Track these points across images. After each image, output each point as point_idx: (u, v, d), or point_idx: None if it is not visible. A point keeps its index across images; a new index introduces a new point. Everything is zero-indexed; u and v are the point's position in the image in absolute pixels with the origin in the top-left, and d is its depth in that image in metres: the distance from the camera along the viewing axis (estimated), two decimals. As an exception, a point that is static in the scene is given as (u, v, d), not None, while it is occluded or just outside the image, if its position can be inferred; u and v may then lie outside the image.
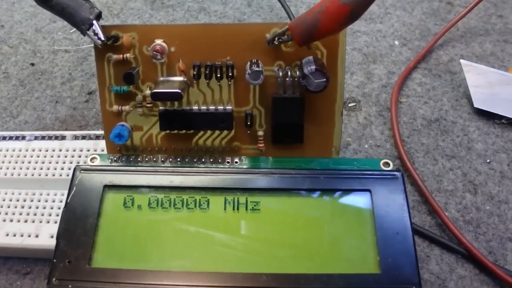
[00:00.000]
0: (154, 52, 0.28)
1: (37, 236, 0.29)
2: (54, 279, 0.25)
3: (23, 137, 0.33)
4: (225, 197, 0.27)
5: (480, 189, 0.31)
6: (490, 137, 0.34)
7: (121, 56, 0.28)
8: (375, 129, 0.34)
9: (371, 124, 0.34)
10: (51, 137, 0.33)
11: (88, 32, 0.27)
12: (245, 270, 0.25)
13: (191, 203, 0.27)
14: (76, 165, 0.28)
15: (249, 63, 0.28)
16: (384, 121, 0.35)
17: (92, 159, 0.29)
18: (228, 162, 0.29)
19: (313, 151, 0.30)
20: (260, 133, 0.29)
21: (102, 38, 0.27)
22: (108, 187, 0.27)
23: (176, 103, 0.29)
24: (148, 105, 0.29)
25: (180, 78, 0.28)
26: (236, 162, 0.29)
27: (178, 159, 0.29)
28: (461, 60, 0.36)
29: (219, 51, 0.28)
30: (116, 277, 0.24)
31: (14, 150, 0.32)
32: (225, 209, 0.27)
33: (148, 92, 0.29)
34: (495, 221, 0.30)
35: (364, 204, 0.27)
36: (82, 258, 0.25)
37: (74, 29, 0.40)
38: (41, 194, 0.30)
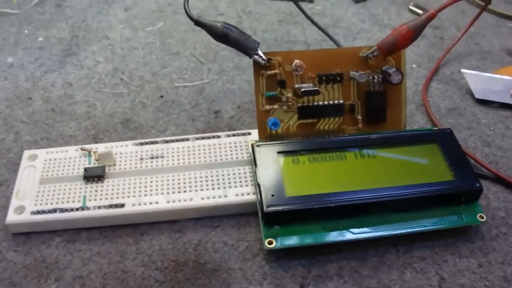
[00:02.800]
0: (297, 67, 0.43)
1: (225, 196, 0.42)
2: (267, 207, 0.38)
3: (187, 139, 0.47)
4: (354, 152, 0.43)
5: (492, 144, 0.48)
6: (489, 115, 0.51)
7: (273, 71, 0.44)
8: (417, 117, 0.51)
9: (414, 115, 0.51)
10: (209, 137, 0.47)
11: (254, 56, 0.43)
12: (374, 186, 0.39)
13: (335, 157, 0.42)
14: (252, 143, 0.43)
15: (351, 72, 0.45)
16: (421, 112, 0.51)
17: (252, 142, 0.44)
18: (345, 135, 0.45)
19: (391, 126, 0.45)
20: (359, 117, 0.46)
21: (266, 59, 0.43)
22: (279, 153, 0.41)
23: (306, 100, 0.44)
24: (289, 103, 0.45)
25: (310, 84, 0.45)
26: (349, 136, 0.45)
27: (311, 138, 0.45)
28: (462, 70, 0.55)
29: (332, 65, 0.44)
30: (304, 199, 0.38)
31: (183, 148, 0.44)
32: (356, 158, 0.42)
33: (289, 95, 0.44)
34: (506, 160, 0.47)
35: (435, 146, 0.42)
36: (280, 191, 0.38)
37: (185, 71, 0.56)
38: (217, 172, 0.42)
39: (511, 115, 0.50)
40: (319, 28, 0.56)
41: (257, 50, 0.41)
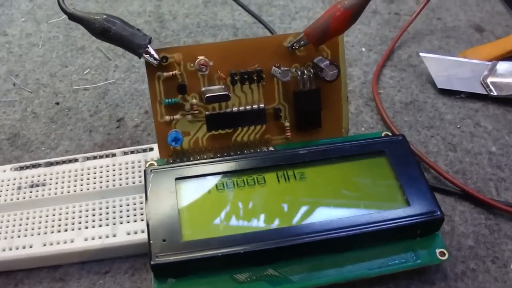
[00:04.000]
0: (200, 66, 0.34)
1: (114, 236, 0.33)
2: (155, 257, 0.29)
3: (76, 160, 0.37)
4: (276, 173, 0.33)
5: (458, 147, 0.39)
6: (455, 109, 0.42)
7: (170, 73, 0.34)
8: (365, 115, 0.42)
9: (361, 112, 0.42)
10: (102, 156, 0.37)
11: (144, 55, 0.33)
12: (301, 220, 0.30)
13: (250, 181, 0.33)
14: (146, 167, 0.33)
15: (273, 67, 0.35)
16: (371, 109, 0.42)
17: (150, 165, 0.35)
18: (265, 151, 0.35)
19: (328, 133, 0.36)
20: (287, 124, 0.36)
21: (158, 58, 0.33)
22: (179, 179, 0.32)
23: (217, 107, 0.35)
24: (195, 112, 0.35)
25: (221, 86, 0.35)
26: (272, 150, 0.36)
27: (225, 154, 0.35)
28: (421, 53, 0.45)
29: (248, 60, 0.35)
30: (206, 244, 0.29)
31: (70, 171, 0.36)
32: (278, 181, 0.33)
33: (194, 101, 0.35)
34: (476, 168, 0.38)
35: (383, 160, 0.33)
36: (174, 235, 0.30)
37: (87, 70, 0.46)
38: (107, 202, 0.34)
39: (482, 108, 0.41)
40: (244, 8, 0.45)
41: (147, 47, 0.32)
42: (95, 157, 0.37)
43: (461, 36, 0.49)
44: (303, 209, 0.31)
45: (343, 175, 0.32)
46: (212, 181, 0.32)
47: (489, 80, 0.42)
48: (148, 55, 0.32)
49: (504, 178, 0.36)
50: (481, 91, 0.42)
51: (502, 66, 0.42)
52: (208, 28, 0.49)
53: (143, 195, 0.34)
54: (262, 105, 0.35)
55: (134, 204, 0.34)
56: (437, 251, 0.31)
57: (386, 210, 0.31)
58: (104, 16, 0.32)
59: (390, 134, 0.35)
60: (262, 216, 0.30)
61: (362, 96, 0.42)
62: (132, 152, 0.37)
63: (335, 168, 0.33)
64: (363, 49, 0.47)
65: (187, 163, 0.33)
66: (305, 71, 0.35)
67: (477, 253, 0.32)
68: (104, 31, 0.31)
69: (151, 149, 0.37)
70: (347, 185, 0.32)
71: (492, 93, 0.42)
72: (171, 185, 0.31)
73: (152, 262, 0.28)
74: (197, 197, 0.31)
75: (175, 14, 0.52)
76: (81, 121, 0.42)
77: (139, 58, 0.32)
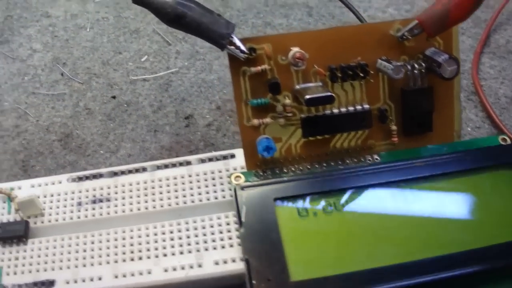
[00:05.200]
0: (296, 59, 0.28)
1: (200, 266, 0.28)
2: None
3: (144, 169, 0.32)
4: (392, 191, 0.28)
5: None
6: None
7: (259, 68, 0.29)
8: (469, 112, 0.36)
9: (464, 109, 0.36)
10: (175, 164, 0.32)
11: (228, 46, 0.27)
12: (435, 252, 0.25)
13: (367, 202, 0.27)
14: (236, 185, 0.28)
15: (379, 61, 0.29)
16: (474, 104, 0.37)
17: (236, 177, 0.29)
18: (369, 160, 0.30)
19: (439, 137, 0.31)
20: (393, 127, 0.31)
21: (246, 51, 0.28)
22: (278, 199, 0.27)
23: (314, 109, 0.29)
24: (288, 114, 0.29)
25: (319, 84, 0.29)
26: (377, 159, 0.30)
27: (324, 164, 0.30)
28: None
29: (349, 52, 0.29)
30: (321, 285, 0.24)
31: (138, 183, 0.31)
32: (395, 201, 0.27)
33: (287, 101, 0.29)
34: None
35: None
36: (281, 273, 0.25)
37: (145, 57, 0.41)
38: (186, 223, 0.29)
39: None
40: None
41: (232, 37, 0.27)
42: (166, 166, 0.32)
43: None
44: (433, 236, 0.26)
45: (472, 192, 0.27)
46: (318, 201, 0.26)
47: None
48: (233, 47, 0.26)
49: None
50: None
51: None
52: (278, 7, 0.44)
53: (229, 213, 0.29)
54: (366, 106, 0.29)
55: (220, 225, 0.29)
56: None
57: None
58: (177, 0, 0.26)
59: (507, 139, 0.30)
60: (383, 246, 0.25)
61: (462, 90, 0.36)
62: (210, 160, 0.32)
63: (461, 184, 0.28)
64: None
65: (285, 178, 0.28)
66: (416, 65, 0.29)
67: None
68: (178, 17, 0.26)
69: (232, 156, 0.32)
70: (479, 205, 0.26)
71: None
72: (270, 208, 0.26)
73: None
74: (302, 223, 0.26)
75: (231, -9, 0.46)
76: (143, 119, 0.37)
77: (222, 50, 0.27)
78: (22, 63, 0.43)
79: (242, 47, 0.27)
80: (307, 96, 0.27)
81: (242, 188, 0.27)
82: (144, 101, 0.38)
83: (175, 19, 0.26)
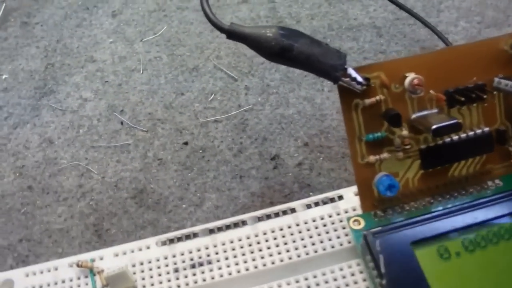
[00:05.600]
0: (416, 87, 0.26)
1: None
2: None
3: (243, 222, 0.29)
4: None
5: None
6: None
7: (373, 99, 0.26)
8: None
9: None
10: (277, 213, 0.29)
11: (343, 79, 0.24)
12: None
13: (504, 232, 0.24)
14: (365, 232, 0.25)
15: (497, 79, 0.27)
16: None
17: (354, 221, 0.27)
18: (491, 185, 0.27)
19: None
20: (512, 148, 0.28)
21: (363, 82, 0.25)
22: (415, 243, 0.24)
23: (428, 138, 0.27)
24: (407, 147, 0.27)
25: (434, 110, 0.27)
26: (498, 184, 0.27)
27: (447, 196, 0.27)
28: None
29: (463, 73, 0.27)
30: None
31: (240, 239, 0.28)
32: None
33: (405, 132, 0.26)
34: None
35: None
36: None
37: (211, 96, 0.38)
38: (306, 279, 0.26)
39: None
40: (391, 0, 0.37)
41: (346, 69, 0.24)
42: (268, 216, 0.29)
43: None
44: None
45: None
46: (458, 239, 0.24)
47: None
48: (348, 79, 0.24)
49: None
50: None
51: None
52: (344, 30, 0.42)
53: (352, 262, 0.27)
54: (486, 129, 0.27)
55: (344, 277, 0.26)
56: None
57: None
58: (279, 31, 0.24)
59: None
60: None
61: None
62: (316, 204, 0.29)
63: None
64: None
65: (418, 218, 0.25)
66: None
67: None
68: (283, 50, 0.24)
69: (340, 197, 0.29)
70: None
71: None
72: (408, 253, 0.23)
73: None
74: (444, 266, 0.24)
75: (298, 17, 0.44)
76: (225, 164, 0.34)
77: (335, 83, 0.24)
78: (73, 114, 0.40)
79: (359, 78, 0.24)
80: (434, 126, 0.25)
81: (374, 234, 0.24)
82: (221, 144, 0.35)
83: (280, 53, 0.24)
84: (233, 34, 0.25)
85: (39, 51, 0.47)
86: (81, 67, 0.44)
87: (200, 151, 0.35)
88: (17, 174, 0.37)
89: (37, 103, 0.42)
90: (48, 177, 0.36)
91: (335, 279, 0.26)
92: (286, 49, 0.24)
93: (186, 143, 0.36)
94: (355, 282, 0.26)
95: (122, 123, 0.38)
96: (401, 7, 0.39)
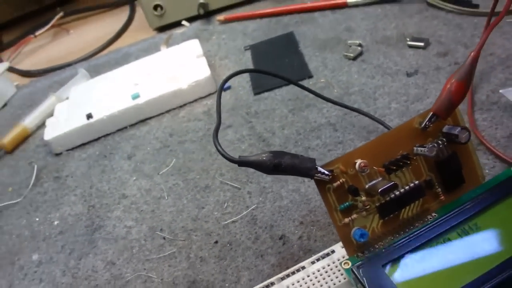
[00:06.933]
0: (362, 168, 0.39)
1: None
2: None
3: (272, 283, 0.42)
4: (456, 231, 0.38)
5: None
6: None
7: (338, 182, 0.40)
8: (481, 159, 0.47)
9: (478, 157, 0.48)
10: (293, 272, 0.42)
11: (316, 175, 0.38)
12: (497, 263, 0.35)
13: (437, 244, 0.38)
14: (352, 267, 0.39)
15: (415, 148, 0.40)
16: (483, 151, 0.48)
17: (344, 263, 0.40)
18: (430, 218, 0.40)
19: (471, 185, 0.41)
20: (438, 189, 0.42)
21: (329, 174, 0.39)
22: (384, 265, 0.37)
23: (383, 197, 0.40)
24: (367, 207, 0.40)
25: (379, 179, 0.41)
26: (435, 215, 0.40)
27: (401, 232, 0.40)
28: (501, 91, 0.52)
29: (393, 150, 0.40)
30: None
31: None
32: (461, 237, 0.38)
33: (363, 198, 0.40)
34: None
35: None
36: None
37: (225, 204, 0.52)
38: None
39: None
40: (335, 103, 0.52)
41: (317, 168, 0.37)
42: (288, 275, 0.41)
43: (517, 62, 0.55)
44: (489, 253, 0.36)
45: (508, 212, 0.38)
46: (411, 256, 0.37)
47: None
48: (320, 174, 0.38)
49: None
50: None
51: None
52: (308, 132, 0.55)
53: (351, 292, 0.38)
54: (416, 182, 0.40)
55: (346, 303, 0.38)
56: None
57: None
58: (271, 154, 0.37)
59: None
60: (467, 269, 0.35)
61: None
62: (318, 260, 0.41)
63: (500, 209, 0.38)
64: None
65: (381, 249, 0.38)
66: (439, 142, 0.40)
67: None
68: (276, 167, 0.37)
69: (333, 251, 0.42)
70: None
71: None
72: (382, 272, 0.36)
73: None
74: (415, 275, 0.36)
75: (272, 130, 0.58)
76: (248, 250, 0.46)
77: (311, 178, 0.38)
78: (124, 240, 0.52)
79: (326, 172, 0.38)
80: (380, 189, 0.38)
81: (357, 267, 0.37)
82: (241, 237, 0.48)
83: (274, 169, 0.37)
84: (242, 163, 0.38)
85: (77, 198, 0.59)
86: (117, 203, 0.57)
87: (228, 245, 0.48)
88: (95, 292, 0.49)
89: (91, 237, 0.54)
90: (120, 289, 0.48)
91: (344, 309, 0.39)
92: (277, 166, 0.37)
93: (216, 242, 0.49)
94: (355, 305, 0.39)
95: (164, 238, 0.51)
96: (345, 106, 0.54)
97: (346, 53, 0.63)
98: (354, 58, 0.63)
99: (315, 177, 0.37)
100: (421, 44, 0.61)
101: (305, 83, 0.60)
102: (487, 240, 0.37)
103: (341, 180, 0.39)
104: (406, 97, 0.55)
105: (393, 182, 0.38)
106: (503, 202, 0.38)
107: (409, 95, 0.55)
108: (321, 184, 0.38)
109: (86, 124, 0.66)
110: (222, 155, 0.38)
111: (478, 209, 0.38)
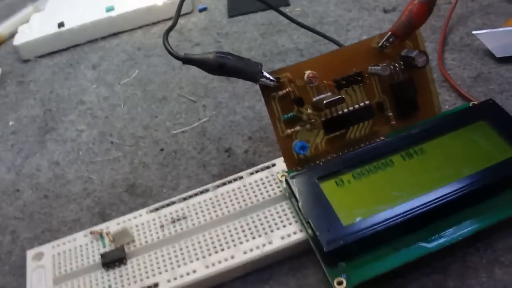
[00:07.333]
0: (310, 79, 0.38)
1: (270, 243, 0.36)
2: (326, 245, 0.32)
3: (207, 190, 0.40)
4: (400, 154, 0.37)
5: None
6: (517, 72, 0.46)
7: (284, 90, 0.38)
8: (444, 95, 0.45)
9: (440, 94, 0.46)
10: (230, 181, 0.41)
11: (261, 79, 0.37)
12: (434, 186, 0.34)
13: (381, 165, 0.37)
14: (286, 176, 0.37)
15: (370, 67, 0.39)
16: (447, 89, 0.46)
17: (282, 176, 0.38)
18: (386, 139, 0.38)
19: (425, 114, 0.40)
20: (390, 114, 0.40)
21: (274, 80, 0.37)
22: (320, 178, 0.36)
23: (329, 112, 0.38)
24: (312, 121, 0.39)
25: (329, 93, 0.39)
26: (392, 137, 0.38)
27: (346, 151, 0.39)
28: (474, 32, 0.49)
29: (347, 66, 0.38)
30: (364, 224, 0.33)
31: (205, 201, 0.39)
32: (404, 160, 0.37)
33: (309, 111, 0.39)
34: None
35: (484, 123, 0.38)
36: (335, 223, 0.33)
37: (178, 115, 0.50)
38: (251, 217, 0.37)
39: (542, 61, 0.45)
40: (308, 28, 0.50)
41: (262, 73, 0.36)
42: (224, 184, 0.40)
43: (497, 10, 0.53)
44: (432, 177, 0.35)
45: (455, 142, 0.37)
46: (349, 173, 0.36)
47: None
48: (264, 79, 0.36)
49: None
50: (536, 48, 0.46)
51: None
52: (275, 55, 0.54)
53: (284, 203, 0.37)
54: (367, 102, 0.39)
55: (278, 213, 0.37)
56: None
57: (502, 161, 0.35)
58: (217, 54, 0.35)
59: (475, 102, 0.40)
60: (401, 190, 0.34)
61: (434, 80, 0.46)
62: (257, 172, 0.40)
63: (447, 138, 0.37)
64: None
65: (319, 164, 0.37)
66: (396, 64, 0.39)
67: None
68: (220, 66, 0.35)
69: (274, 165, 0.40)
70: (462, 151, 0.36)
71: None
72: (314, 184, 0.35)
73: (325, 250, 0.32)
74: (340, 189, 0.35)
75: (239, 51, 0.56)
76: (192, 159, 0.45)
77: (256, 83, 0.36)
78: (73, 142, 0.51)
79: (271, 77, 0.36)
80: (325, 101, 0.37)
81: (292, 177, 0.36)
82: (188, 147, 0.46)
83: (218, 68, 0.35)
84: (186, 61, 0.36)
85: (36, 102, 0.58)
86: (74, 108, 0.56)
87: (173, 153, 0.47)
88: (34, 189, 0.48)
89: (42, 138, 0.53)
90: (59, 187, 0.47)
91: (271, 215, 0.37)
92: (222, 65, 0.36)
93: (162, 149, 0.48)
94: (285, 214, 0.37)
95: (112, 142, 0.50)
96: (317, 32, 0.52)
97: (328, -15, 0.61)
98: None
99: (259, 82, 0.36)
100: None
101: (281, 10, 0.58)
102: (428, 166, 0.36)
103: (287, 89, 0.37)
104: (378, 31, 0.54)
105: (339, 96, 0.36)
106: (452, 132, 0.37)
107: (382, 29, 0.54)
108: (266, 91, 0.37)
109: (57, 32, 0.65)
110: (169, 51, 0.37)
111: (426, 135, 0.37)
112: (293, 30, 0.55)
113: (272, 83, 0.36)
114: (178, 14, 0.41)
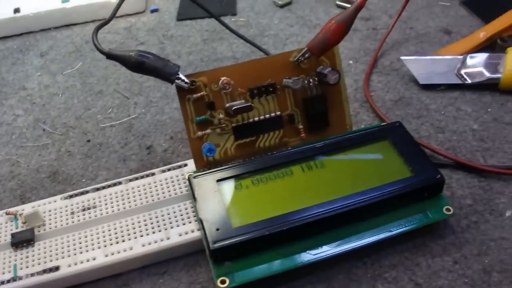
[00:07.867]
0: (224, 84, 0.39)
1: (168, 238, 0.37)
2: (213, 243, 0.34)
3: (119, 182, 0.42)
4: (301, 165, 0.39)
5: (445, 129, 0.45)
6: (437, 99, 0.48)
7: (199, 94, 0.40)
8: (363, 115, 0.48)
9: (359, 113, 0.48)
10: (143, 176, 0.42)
11: (176, 81, 0.38)
12: (327, 198, 0.36)
13: (280, 174, 0.38)
14: (189, 176, 0.39)
15: (284, 79, 0.41)
16: (366, 109, 0.48)
17: (189, 175, 0.40)
18: (289, 149, 0.41)
19: (336, 130, 0.42)
20: (300, 126, 0.42)
21: (189, 82, 0.39)
22: (219, 181, 0.38)
23: (241, 119, 0.40)
24: (223, 125, 0.41)
25: (242, 101, 0.41)
26: (294, 148, 0.40)
27: (252, 158, 0.41)
28: (401, 57, 0.52)
29: (262, 76, 0.40)
30: (253, 228, 0.35)
31: (116, 193, 0.40)
32: (303, 171, 0.39)
33: (221, 116, 0.40)
34: (463, 144, 0.44)
35: (387, 143, 0.40)
36: (225, 224, 0.35)
37: (110, 109, 0.52)
38: (155, 213, 0.39)
39: (460, 95, 0.47)
40: (244, 39, 0.52)
41: (178, 74, 0.37)
42: (136, 178, 0.42)
43: (432, 39, 0.56)
44: (327, 189, 0.37)
45: (356, 159, 0.38)
46: (248, 178, 0.37)
47: (462, 71, 0.49)
48: (179, 81, 0.38)
49: (488, 148, 0.43)
50: (457, 81, 0.49)
51: (471, 58, 0.49)
52: (211, 61, 0.55)
53: (187, 202, 0.39)
54: (278, 113, 0.40)
55: (180, 210, 0.39)
56: (444, 208, 0.37)
57: (397, 180, 0.36)
58: (138, 52, 0.37)
59: (384, 124, 0.42)
60: (294, 200, 0.36)
61: (357, 100, 0.49)
62: (169, 170, 0.42)
63: (348, 154, 0.39)
64: (351, 62, 0.54)
65: (224, 167, 0.38)
66: (311, 80, 0.40)
67: (476, 209, 0.39)
68: (139, 64, 0.37)
69: (185, 165, 0.42)
70: (361, 167, 0.38)
71: (466, 82, 0.48)
72: (214, 186, 0.37)
73: (211, 248, 0.33)
74: (238, 192, 0.37)
75: (179, 53, 0.58)
76: (114, 153, 0.47)
77: (171, 84, 0.38)
78: (8, 126, 0.52)
79: (186, 80, 0.38)
80: (234, 107, 0.39)
81: (194, 177, 0.38)
82: (113, 141, 0.48)
83: (137, 66, 0.37)
84: (109, 56, 0.38)
85: (-21, 84, 0.59)
86: (15, 93, 0.57)
87: (98, 145, 0.48)
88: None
89: (-22, 120, 0.54)
90: (-15, 168, 0.48)
91: (174, 212, 0.39)
92: (141, 63, 0.37)
93: (88, 141, 0.49)
94: (187, 213, 0.39)
95: (44, 130, 0.51)
96: (252, 43, 0.54)
97: (276, 0, 0.63)
98: (282, 6, 0.63)
99: (175, 83, 0.37)
100: (349, 6, 0.61)
101: (227, 19, 0.60)
102: (325, 179, 0.38)
103: (202, 93, 0.39)
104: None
105: (248, 104, 0.38)
106: (355, 149, 0.39)
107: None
108: (182, 92, 0.39)
109: (11, 18, 0.65)
110: (95, 46, 0.38)
111: (329, 150, 0.39)
112: (234, 39, 0.57)
113: (186, 85, 0.38)
114: (115, 12, 0.42)
